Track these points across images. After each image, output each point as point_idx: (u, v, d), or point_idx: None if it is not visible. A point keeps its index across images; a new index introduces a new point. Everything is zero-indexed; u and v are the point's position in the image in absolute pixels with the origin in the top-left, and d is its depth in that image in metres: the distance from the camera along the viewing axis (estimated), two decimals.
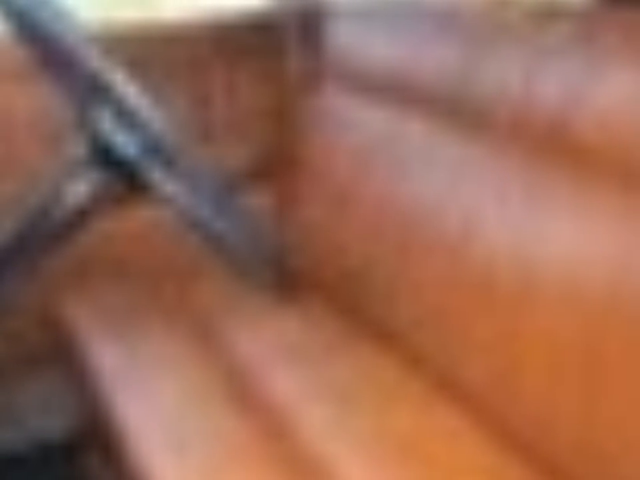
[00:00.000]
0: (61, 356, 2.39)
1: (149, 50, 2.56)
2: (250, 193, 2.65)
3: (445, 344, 1.94)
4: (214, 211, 1.86)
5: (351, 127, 2.39)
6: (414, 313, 2.04)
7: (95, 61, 1.77)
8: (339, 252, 2.33)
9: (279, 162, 2.75)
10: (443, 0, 2.27)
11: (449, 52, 2.09)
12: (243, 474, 1.71)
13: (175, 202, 1.82)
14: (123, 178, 1.83)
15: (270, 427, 1.86)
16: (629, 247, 1.56)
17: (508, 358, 1.77)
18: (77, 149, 1.83)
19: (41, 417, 2.64)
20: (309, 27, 2.67)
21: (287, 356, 2.11)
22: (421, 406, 1.90)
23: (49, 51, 1.77)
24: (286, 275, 2.13)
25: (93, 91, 1.78)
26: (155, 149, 1.81)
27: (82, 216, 1.85)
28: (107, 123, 1.79)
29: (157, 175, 1.81)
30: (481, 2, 2.13)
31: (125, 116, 1.79)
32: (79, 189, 1.82)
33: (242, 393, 1.99)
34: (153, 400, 1.97)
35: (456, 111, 2.04)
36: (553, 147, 1.78)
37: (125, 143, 1.79)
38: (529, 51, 1.88)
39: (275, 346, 2.15)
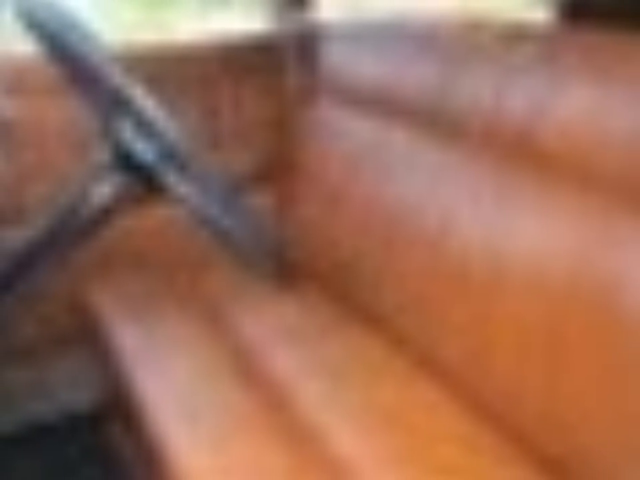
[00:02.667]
0: (88, 337, 2.38)
1: (165, 68, 2.55)
2: (253, 193, 2.65)
3: (425, 326, 1.94)
4: (222, 209, 1.85)
5: (342, 135, 2.38)
6: (398, 299, 2.04)
7: (117, 77, 1.76)
8: (332, 246, 2.32)
9: (279, 166, 2.74)
10: (423, 24, 2.27)
11: (428, 70, 2.08)
12: (247, 440, 1.71)
13: (187, 202, 1.81)
14: (142, 181, 1.82)
15: (271, 399, 1.86)
16: (587, 241, 1.55)
17: (480, 339, 1.76)
18: (102, 155, 1.82)
19: (70, 391, 2.64)
20: (306, 48, 2.66)
21: (286, 337, 2.10)
22: (404, 381, 1.89)
23: (76, 69, 1.76)
24: (285, 266, 2.11)
25: (116, 104, 1.77)
26: (170, 155, 1.80)
27: (106, 214, 1.84)
28: (127, 132, 1.78)
29: (171, 178, 1.80)
30: (456, 26, 2.12)
31: (144, 126, 1.78)
32: (103, 190, 1.81)
33: (246, 369, 1.98)
34: (168, 375, 1.96)
35: (434, 121, 2.03)
36: (520, 154, 1.77)
37: (143, 150, 1.78)
38: (498, 69, 1.87)
39: (276, 328, 2.15)
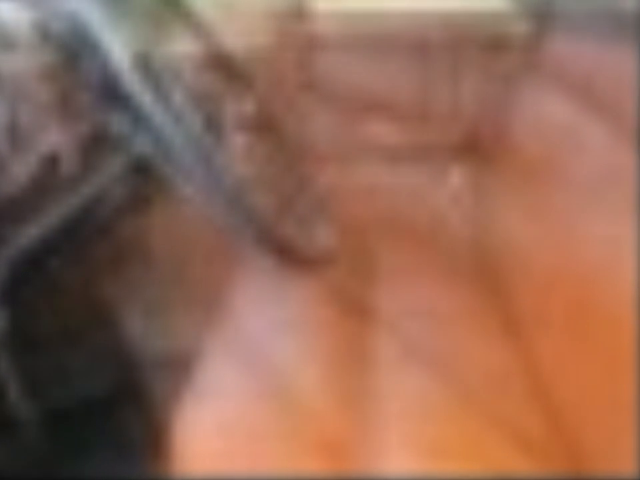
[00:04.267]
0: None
1: None
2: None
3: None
4: (227, 208, 1.85)
5: None
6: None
7: (128, 84, 1.74)
8: None
9: None
10: (413, 35, 2.25)
11: (417, 78, 2.06)
12: (250, 423, 1.71)
13: (194, 201, 1.81)
14: (152, 181, 1.82)
15: (271, 385, 1.85)
16: None
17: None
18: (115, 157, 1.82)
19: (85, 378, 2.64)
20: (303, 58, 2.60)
21: (286, 326, 2.09)
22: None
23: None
24: (287, 260, 2.11)
25: (126, 110, 1.75)
26: (179, 157, 1.79)
27: (118, 213, 1.84)
28: (137, 137, 1.77)
29: (179, 179, 1.79)
30: (444, 36, 2.10)
31: (153, 131, 1.77)
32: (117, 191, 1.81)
33: (248, 357, 1.97)
34: None
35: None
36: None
37: (153, 153, 1.78)
38: (483, 78, 1.86)
39: (276, 318, 2.13)
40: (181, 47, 1.84)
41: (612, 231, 1.52)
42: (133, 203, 1.84)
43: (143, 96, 1.74)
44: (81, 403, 2.58)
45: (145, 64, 1.53)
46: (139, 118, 1.75)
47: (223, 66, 1.98)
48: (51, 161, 1.75)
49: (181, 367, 1.94)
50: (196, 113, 1.66)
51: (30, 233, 1.68)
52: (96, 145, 1.78)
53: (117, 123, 1.77)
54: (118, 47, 1.71)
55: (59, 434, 2.46)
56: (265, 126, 1.98)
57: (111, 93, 1.73)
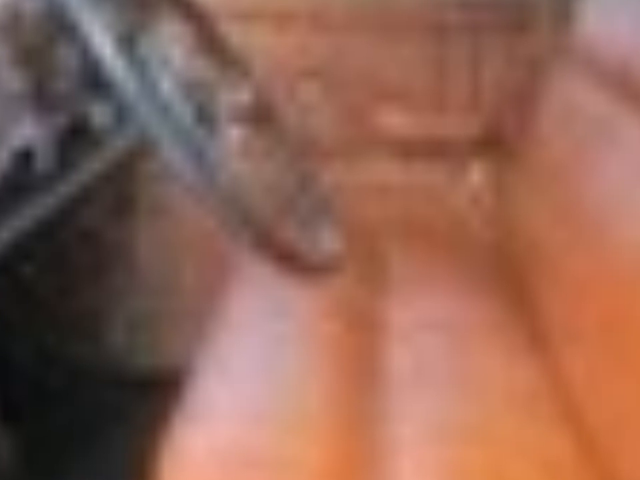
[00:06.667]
0: None
1: None
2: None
3: None
4: (222, 209, 1.84)
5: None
6: None
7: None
8: None
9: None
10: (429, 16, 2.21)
11: None
12: (246, 448, 1.64)
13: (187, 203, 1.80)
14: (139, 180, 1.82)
15: (270, 406, 1.79)
16: None
17: None
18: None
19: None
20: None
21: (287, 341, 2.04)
22: None
23: None
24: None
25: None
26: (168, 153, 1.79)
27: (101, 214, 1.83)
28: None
29: (169, 177, 1.78)
30: None
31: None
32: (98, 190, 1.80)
33: (244, 375, 1.91)
34: None
35: None
36: None
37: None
38: None
39: (276, 331, 2.08)
40: (170, 30, 1.84)
41: None
42: (116, 203, 1.81)
43: (127, 84, 1.69)
44: (60, 426, 2.60)
45: (129, 48, 1.44)
46: (122, 108, 1.72)
47: (217, 51, 1.96)
48: (25, 157, 1.70)
49: (169, 385, 1.89)
50: (186, 102, 1.63)
51: (1, 237, 1.64)
52: (75, 138, 1.76)
53: (98, 114, 1.74)
54: (99, 29, 1.67)
55: (37, 458, 2.46)
56: (263, 117, 1.93)
57: (92, 80, 1.70)
